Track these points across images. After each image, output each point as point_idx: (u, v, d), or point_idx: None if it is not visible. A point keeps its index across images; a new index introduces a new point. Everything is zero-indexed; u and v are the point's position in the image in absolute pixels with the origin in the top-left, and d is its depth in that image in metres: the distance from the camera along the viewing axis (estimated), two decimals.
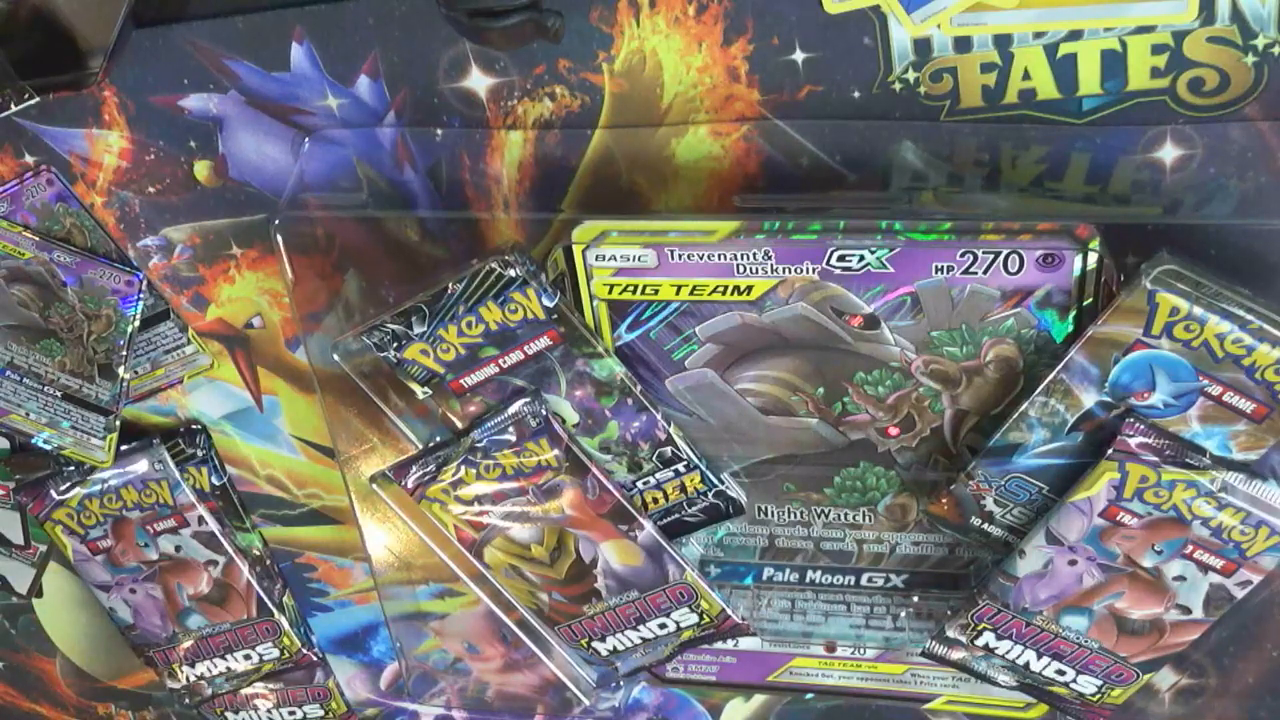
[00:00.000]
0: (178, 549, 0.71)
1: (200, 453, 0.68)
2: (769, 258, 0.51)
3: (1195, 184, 0.50)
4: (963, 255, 0.50)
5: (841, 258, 0.51)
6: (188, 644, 0.75)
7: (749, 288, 0.53)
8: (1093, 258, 0.49)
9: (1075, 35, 0.48)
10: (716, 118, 0.53)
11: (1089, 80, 0.49)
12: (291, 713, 0.81)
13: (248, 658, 0.76)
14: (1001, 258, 0.50)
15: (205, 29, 0.54)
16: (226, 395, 0.67)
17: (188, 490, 0.68)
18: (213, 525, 0.69)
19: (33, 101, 0.53)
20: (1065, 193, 0.51)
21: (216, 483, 0.69)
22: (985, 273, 0.50)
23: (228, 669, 0.76)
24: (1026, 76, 0.50)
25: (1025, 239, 0.49)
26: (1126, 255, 0.52)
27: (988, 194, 0.52)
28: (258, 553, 0.73)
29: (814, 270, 0.51)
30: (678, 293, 0.53)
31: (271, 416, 0.67)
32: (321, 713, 0.81)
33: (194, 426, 0.69)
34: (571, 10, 0.50)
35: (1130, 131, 0.50)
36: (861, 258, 0.51)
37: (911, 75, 0.50)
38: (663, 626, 0.61)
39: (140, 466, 0.68)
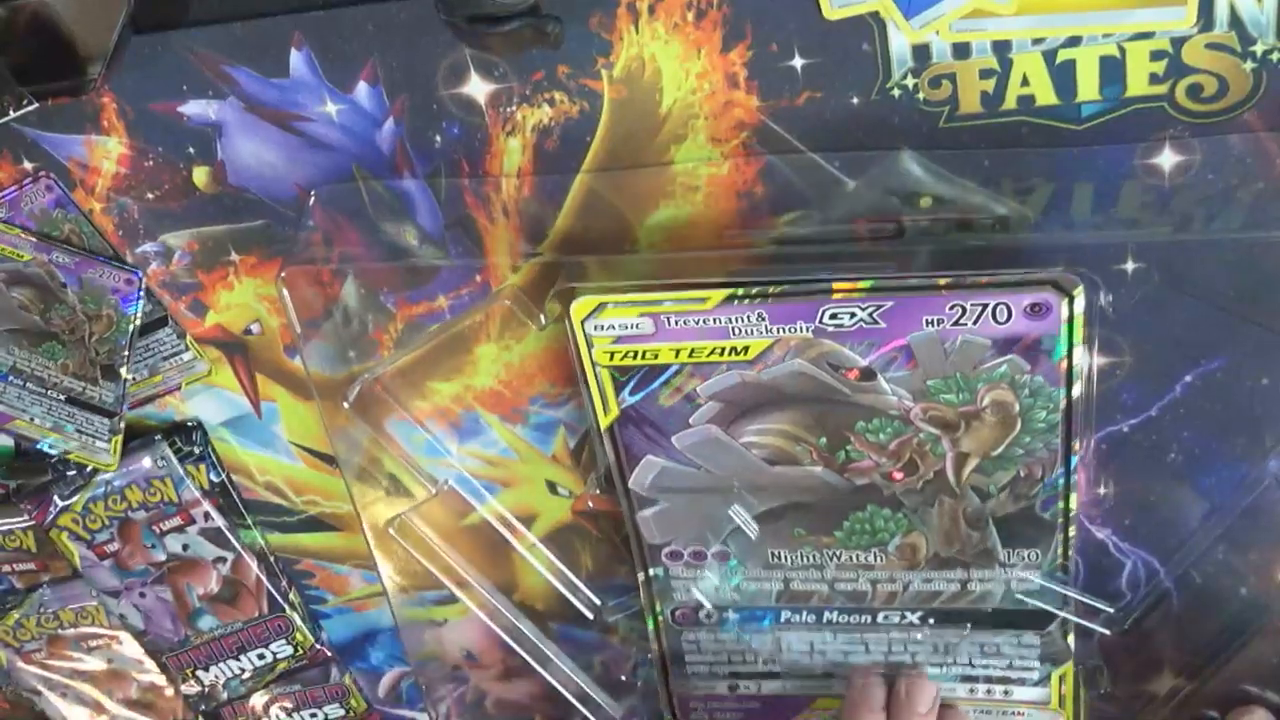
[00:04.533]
0: (185, 548, 0.71)
1: (197, 450, 0.68)
2: (763, 319, 0.53)
3: (1202, 197, 0.50)
4: (952, 308, 0.51)
5: (833, 316, 0.53)
6: (201, 647, 0.75)
7: (745, 348, 0.54)
8: (1079, 304, 0.50)
9: (1074, 41, 0.48)
10: (715, 123, 0.53)
11: (1088, 86, 0.49)
12: (313, 714, 0.81)
13: (261, 657, 0.76)
14: (990, 308, 0.51)
15: (204, 35, 0.54)
16: (225, 402, 0.67)
17: (192, 486, 0.68)
18: (219, 521, 0.69)
19: (31, 108, 0.53)
20: (1075, 220, 0.52)
21: (215, 479, 0.69)
22: (975, 323, 0.51)
23: (242, 670, 0.76)
24: (1025, 83, 0.49)
25: (1011, 290, 0.50)
26: (1125, 260, 0.52)
27: (990, 200, 0.52)
28: (261, 548, 0.73)
29: (808, 329, 0.53)
30: (676, 356, 0.55)
31: (270, 423, 0.67)
32: (342, 712, 0.80)
33: (189, 424, 0.68)
34: (570, 16, 0.50)
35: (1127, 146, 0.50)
36: (853, 314, 0.52)
37: (910, 81, 0.50)
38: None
39: (144, 464, 0.67)
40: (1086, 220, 0.51)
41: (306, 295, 0.60)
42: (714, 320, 0.54)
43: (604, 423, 0.58)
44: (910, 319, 0.52)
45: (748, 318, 0.53)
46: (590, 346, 0.55)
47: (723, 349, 0.55)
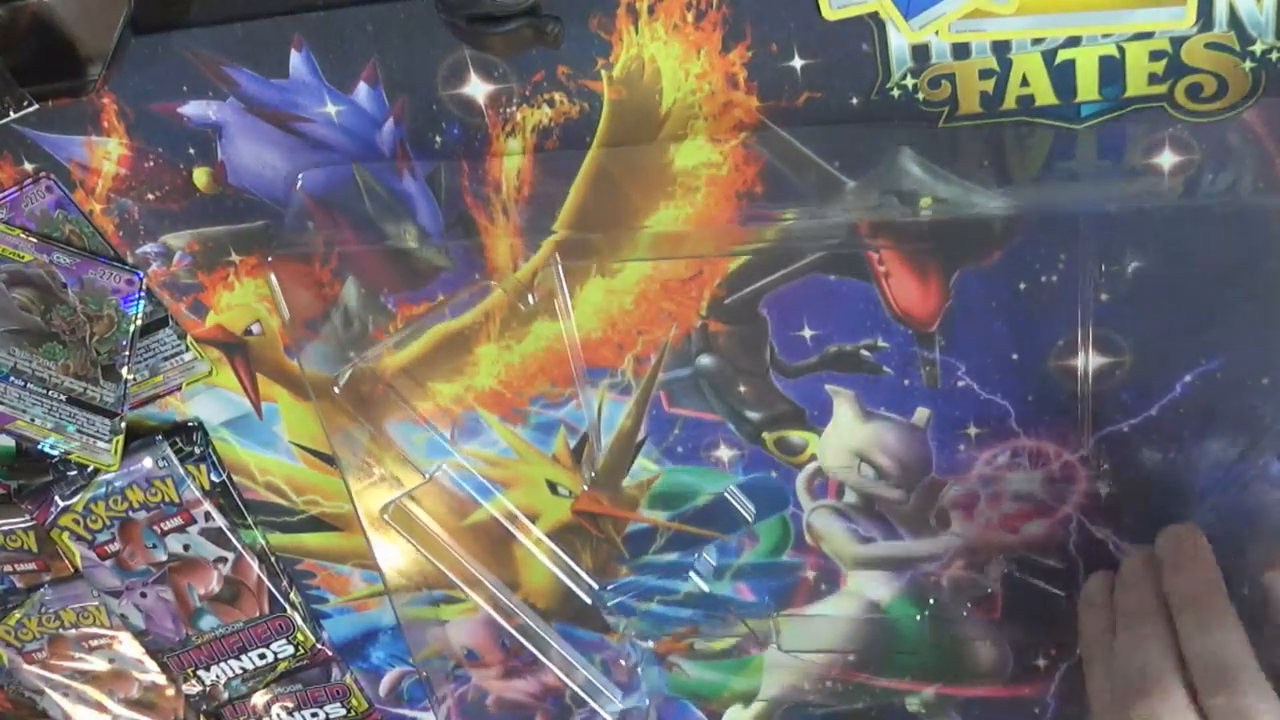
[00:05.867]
0: (186, 548, 0.71)
1: (198, 450, 0.68)
2: None
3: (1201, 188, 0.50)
4: None
5: None
6: (202, 646, 0.75)
7: None
8: None
9: (1073, 41, 0.48)
10: (715, 124, 0.53)
11: (1087, 86, 0.49)
12: (314, 714, 0.81)
13: (262, 657, 0.76)
14: None
15: (204, 36, 0.54)
16: (225, 402, 0.67)
17: (193, 486, 0.68)
18: (220, 521, 0.69)
19: (31, 109, 0.53)
20: (1078, 170, 0.51)
21: (215, 479, 0.69)
22: None
23: (243, 670, 0.76)
24: (1025, 83, 0.49)
25: None
26: (1125, 255, 0.52)
27: (987, 196, 0.52)
28: (262, 548, 0.73)
29: None
30: None
31: (270, 423, 0.67)
32: (344, 711, 0.80)
33: (190, 424, 0.68)
34: (570, 17, 0.50)
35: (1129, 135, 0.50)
36: None
37: (910, 81, 0.50)
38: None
39: (145, 464, 0.67)
40: (1087, 187, 0.51)
41: (305, 296, 0.60)
42: None
43: None
44: None
45: None
46: None
47: None
